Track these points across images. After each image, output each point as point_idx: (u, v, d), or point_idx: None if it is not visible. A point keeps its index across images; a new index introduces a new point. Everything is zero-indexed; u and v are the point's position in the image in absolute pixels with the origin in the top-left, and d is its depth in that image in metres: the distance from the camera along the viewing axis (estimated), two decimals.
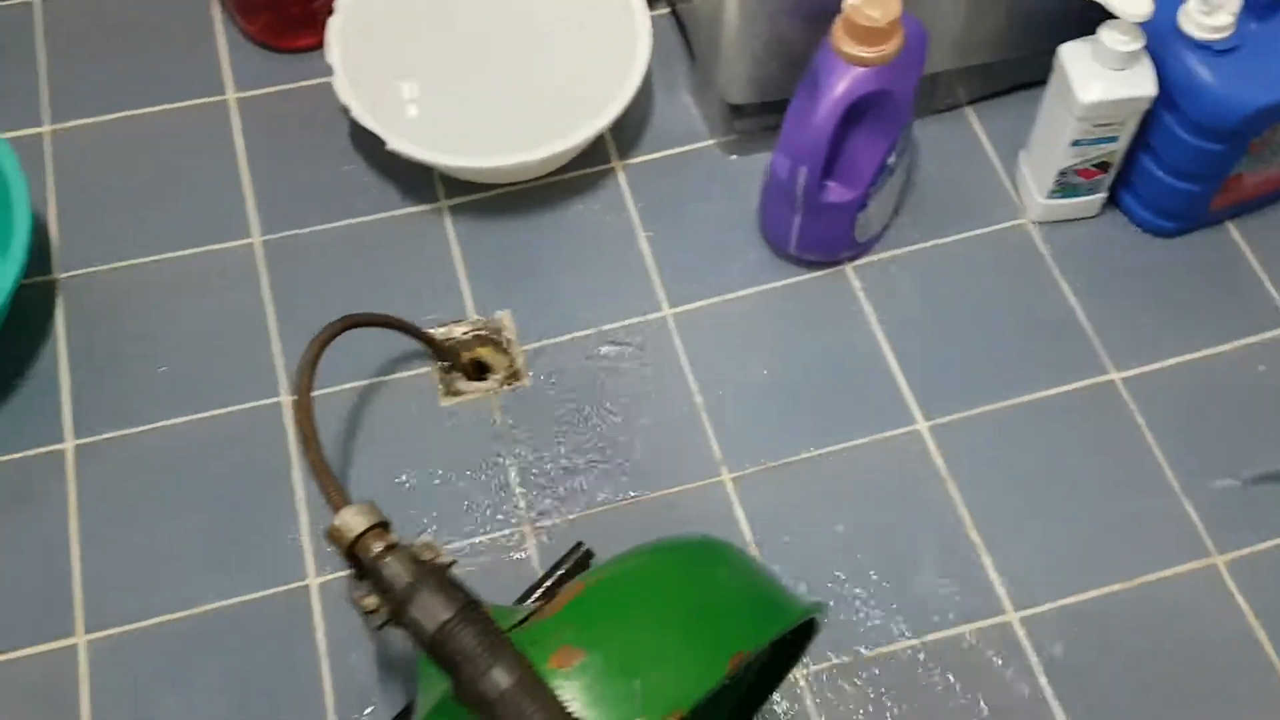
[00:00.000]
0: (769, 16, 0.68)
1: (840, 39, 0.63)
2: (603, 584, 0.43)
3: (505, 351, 0.72)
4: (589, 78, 0.76)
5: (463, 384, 0.71)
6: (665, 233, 0.76)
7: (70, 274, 0.73)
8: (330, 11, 0.76)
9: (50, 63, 0.81)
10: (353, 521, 0.47)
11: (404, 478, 0.67)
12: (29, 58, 0.81)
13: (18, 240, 0.65)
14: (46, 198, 0.75)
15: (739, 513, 0.66)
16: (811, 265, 0.74)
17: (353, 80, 0.73)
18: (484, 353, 0.73)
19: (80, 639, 0.62)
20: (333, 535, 0.48)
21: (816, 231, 0.71)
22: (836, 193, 0.68)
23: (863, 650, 0.62)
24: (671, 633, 0.41)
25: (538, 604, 0.48)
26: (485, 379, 0.72)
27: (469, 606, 0.44)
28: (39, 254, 0.73)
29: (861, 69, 0.63)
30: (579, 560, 0.63)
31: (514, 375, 0.71)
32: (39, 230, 0.74)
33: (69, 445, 0.67)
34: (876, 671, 0.62)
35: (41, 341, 0.70)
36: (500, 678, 0.41)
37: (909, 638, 0.63)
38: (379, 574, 0.46)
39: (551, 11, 0.79)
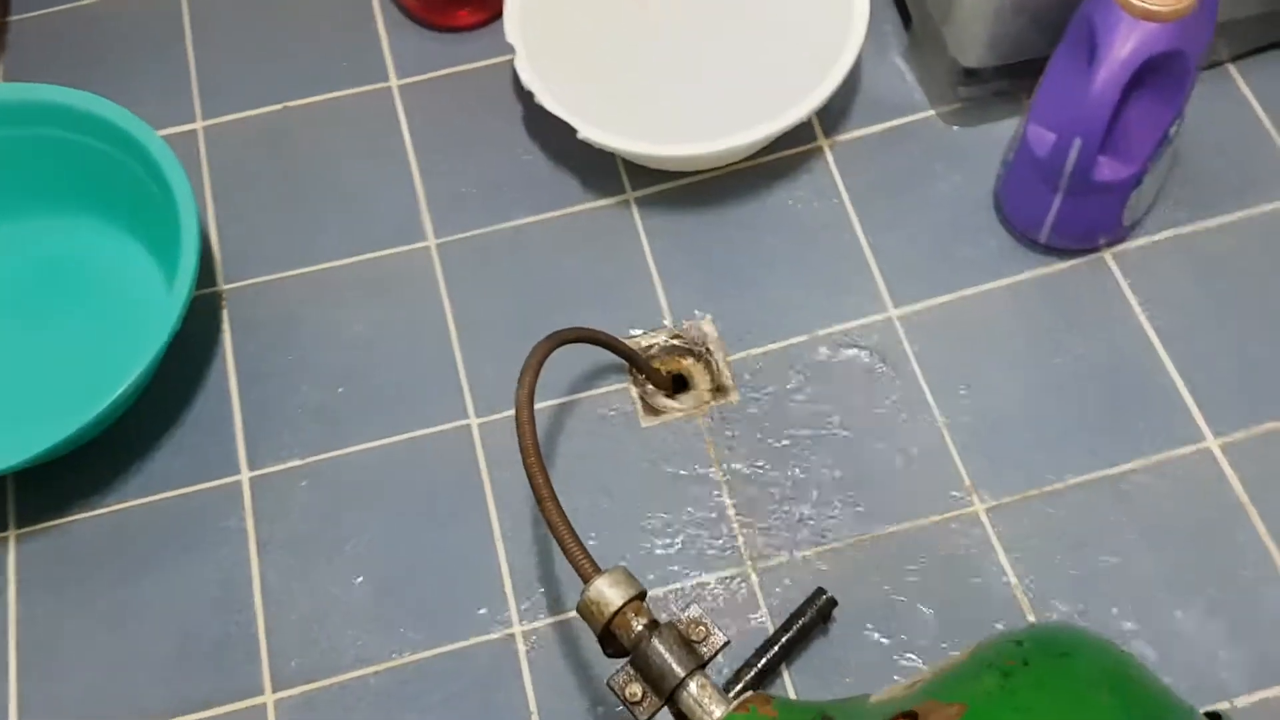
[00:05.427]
0: None
1: None
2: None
3: (707, 363, 0.64)
4: (795, 47, 0.67)
5: (663, 401, 0.64)
6: (884, 219, 0.67)
7: (235, 285, 0.67)
8: None
9: (197, 53, 0.75)
10: (609, 594, 0.40)
11: (605, 505, 0.60)
12: (178, 48, 0.75)
13: (186, 255, 0.59)
14: (205, 201, 0.70)
15: (999, 552, 0.58)
16: (1062, 253, 0.65)
17: (534, 61, 0.65)
18: (684, 365, 0.65)
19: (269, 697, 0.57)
20: (585, 610, 0.41)
21: (1080, 214, 0.61)
22: (1110, 169, 0.58)
23: None
24: None
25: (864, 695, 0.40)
26: (687, 393, 0.64)
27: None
28: (202, 264, 0.67)
29: (1153, 25, 0.53)
30: (821, 609, 0.55)
31: (719, 390, 0.63)
32: (200, 238, 0.68)
33: (244, 477, 0.62)
34: None
35: (208, 362, 0.65)
36: None
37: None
38: (645, 660, 0.39)
39: None
